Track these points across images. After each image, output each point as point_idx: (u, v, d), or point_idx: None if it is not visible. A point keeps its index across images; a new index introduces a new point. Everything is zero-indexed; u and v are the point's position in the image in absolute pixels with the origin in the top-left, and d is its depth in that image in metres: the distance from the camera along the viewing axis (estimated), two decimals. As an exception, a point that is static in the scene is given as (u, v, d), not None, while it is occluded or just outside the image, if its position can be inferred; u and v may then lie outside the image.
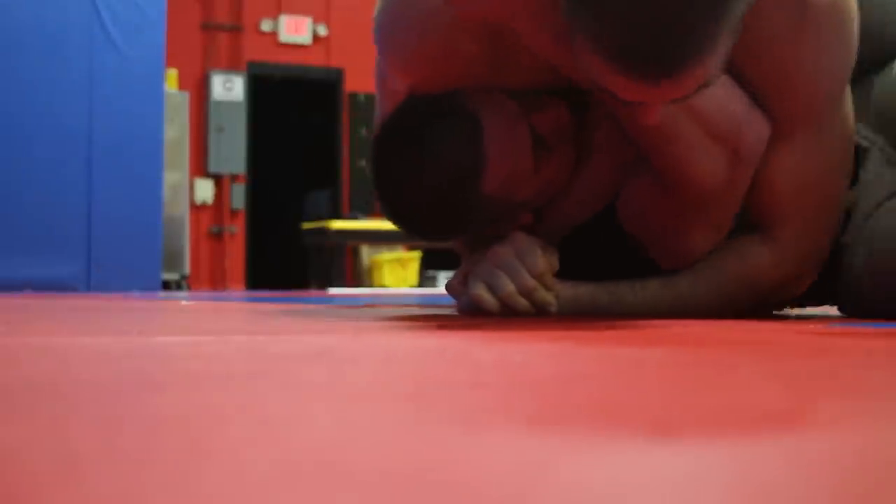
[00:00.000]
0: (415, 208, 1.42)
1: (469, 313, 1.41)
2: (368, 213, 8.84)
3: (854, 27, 1.35)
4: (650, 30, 1.07)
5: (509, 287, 1.36)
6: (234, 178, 8.90)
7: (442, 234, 1.49)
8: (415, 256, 8.47)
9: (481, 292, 1.37)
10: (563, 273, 1.41)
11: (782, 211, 1.42)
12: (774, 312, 1.60)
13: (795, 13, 1.31)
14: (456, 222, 1.44)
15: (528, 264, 1.37)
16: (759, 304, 1.49)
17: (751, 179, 1.39)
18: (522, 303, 1.37)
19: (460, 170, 1.36)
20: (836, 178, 1.43)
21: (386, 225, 8.06)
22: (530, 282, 1.36)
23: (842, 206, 1.44)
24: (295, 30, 9.20)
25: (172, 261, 6.68)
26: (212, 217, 8.85)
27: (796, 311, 1.69)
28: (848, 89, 1.40)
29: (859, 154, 1.47)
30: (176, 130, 6.90)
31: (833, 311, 1.71)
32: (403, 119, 1.41)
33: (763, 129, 1.37)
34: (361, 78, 9.12)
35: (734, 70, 1.34)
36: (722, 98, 1.34)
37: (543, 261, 1.37)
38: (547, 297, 1.38)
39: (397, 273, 8.33)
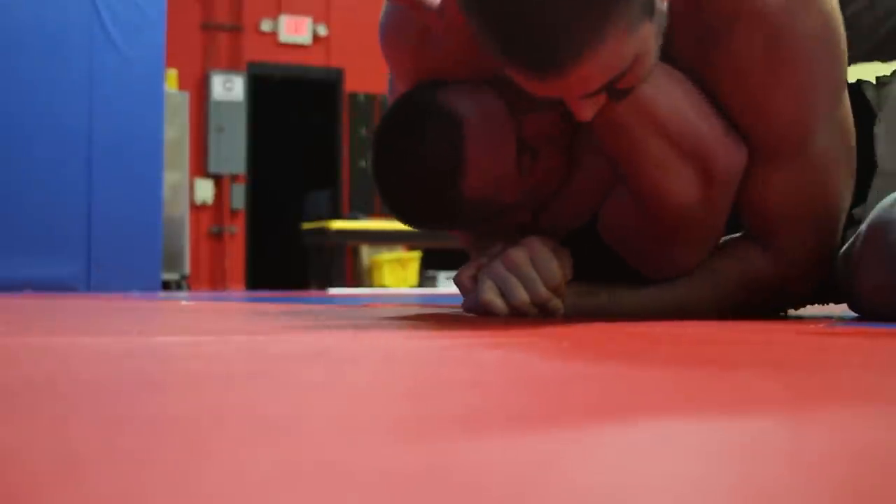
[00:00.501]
0: (405, 200, 1.44)
1: (475, 314, 1.39)
2: (368, 213, 8.84)
3: (840, 46, 1.33)
4: (529, 24, 1.11)
5: (523, 296, 1.33)
6: (234, 178, 8.90)
7: (431, 227, 1.52)
8: (415, 256, 8.47)
9: (492, 298, 1.34)
10: None
11: (777, 226, 1.41)
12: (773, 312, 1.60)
13: (769, 44, 1.29)
14: (441, 217, 1.45)
15: (543, 275, 1.34)
16: (762, 306, 1.48)
17: (732, 200, 1.39)
18: (533, 311, 1.35)
19: (440, 167, 1.38)
20: (833, 191, 1.41)
21: (386, 225, 8.06)
22: (545, 293, 1.34)
23: (844, 211, 1.43)
24: (295, 30, 9.20)
25: (172, 261, 6.68)
26: (212, 217, 8.85)
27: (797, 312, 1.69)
28: (842, 104, 1.38)
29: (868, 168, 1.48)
30: (176, 130, 6.90)
31: (832, 311, 1.71)
32: (400, 112, 1.44)
33: (738, 153, 1.35)
34: (361, 78, 9.12)
35: (711, 95, 1.34)
36: (692, 118, 1.33)
37: (559, 271, 1.35)
38: (557, 304, 1.37)
39: (397, 273, 8.33)
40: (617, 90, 1.20)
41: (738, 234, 1.46)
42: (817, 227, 1.42)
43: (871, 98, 1.53)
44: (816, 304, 1.66)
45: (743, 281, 1.43)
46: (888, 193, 1.39)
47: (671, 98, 1.33)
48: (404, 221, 1.49)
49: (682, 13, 1.26)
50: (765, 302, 1.48)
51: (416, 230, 1.60)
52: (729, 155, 1.35)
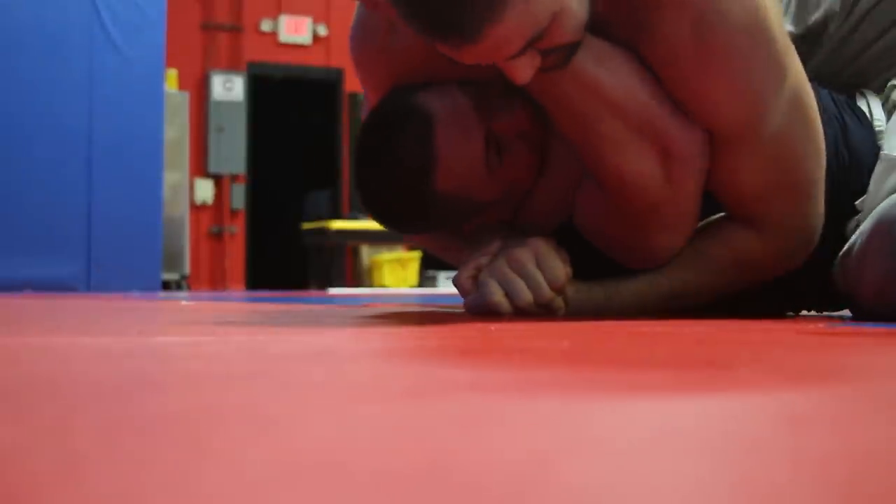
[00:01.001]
0: (384, 201, 1.45)
1: (478, 314, 1.39)
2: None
3: (776, 31, 1.31)
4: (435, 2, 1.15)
5: (528, 298, 1.34)
6: (234, 178, 8.90)
7: (411, 229, 1.53)
8: (415, 256, 8.47)
9: (499, 299, 1.34)
10: None
11: (753, 206, 1.41)
12: (774, 313, 1.60)
13: (697, 32, 1.28)
14: (418, 217, 1.45)
15: (548, 276, 1.34)
16: (758, 280, 1.48)
17: (702, 183, 1.38)
18: (536, 311, 1.36)
19: (413, 165, 1.39)
20: (801, 163, 1.40)
21: (386, 225, 8.05)
22: (549, 295, 1.35)
23: (819, 180, 1.43)
24: (295, 30, 9.20)
25: (172, 261, 6.69)
26: (212, 217, 8.85)
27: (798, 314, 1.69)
28: (787, 85, 1.36)
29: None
30: (176, 130, 6.90)
31: (831, 313, 1.71)
32: (376, 117, 1.45)
33: (694, 130, 1.35)
34: (361, 78, 9.11)
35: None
36: (642, 95, 1.33)
37: (563, 271, 1.36)
38: (560, 303, 1.37)
39: (397, 273, 8.33)
40: (545, 50, 1.21)
41: (720, 216, 1.45)
42: (795, 201, 1.42)
43: (865, 108, 1.55)
44: (815, 310, 1.66)
45: (736, 263, 1.44)
46: (886, 177, 1.40)
47: (619, 76, 1.33)
48: (385, 224, 1.49)
49: None
50: (758, 281, 1.48)
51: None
52: (684, 131, 1.35)
